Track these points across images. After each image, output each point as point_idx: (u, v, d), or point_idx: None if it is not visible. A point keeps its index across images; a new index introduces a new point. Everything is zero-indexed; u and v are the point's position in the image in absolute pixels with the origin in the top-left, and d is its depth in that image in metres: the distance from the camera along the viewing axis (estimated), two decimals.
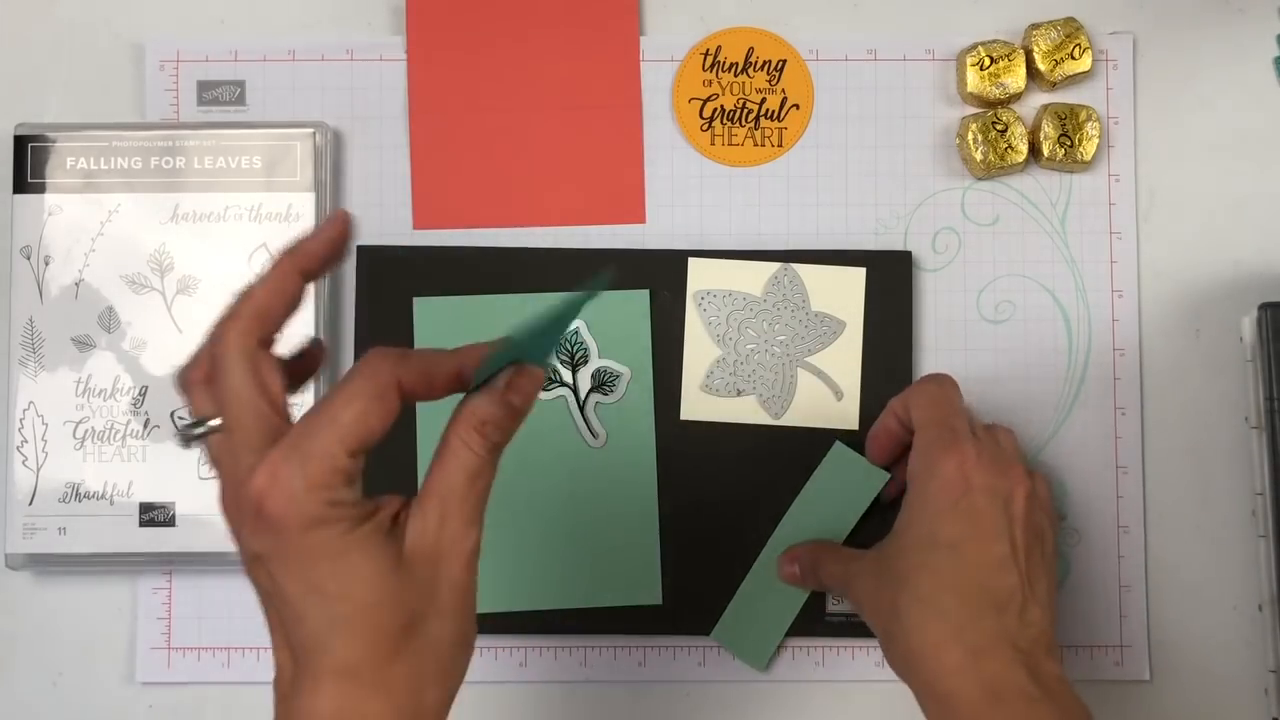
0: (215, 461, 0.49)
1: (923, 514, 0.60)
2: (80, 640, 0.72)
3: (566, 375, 0.71)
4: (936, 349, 0.72)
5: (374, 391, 0.47)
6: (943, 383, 0.65)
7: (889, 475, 0.68)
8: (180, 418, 0.70)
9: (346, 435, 0.46)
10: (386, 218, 0.73)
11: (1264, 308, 0.69)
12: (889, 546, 0.62)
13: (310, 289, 0.50)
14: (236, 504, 0.47)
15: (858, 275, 0.72)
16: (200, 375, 0.49)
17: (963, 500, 0.60)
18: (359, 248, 0.72)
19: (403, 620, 0.47)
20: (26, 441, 0.70)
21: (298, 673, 0.47)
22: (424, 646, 0.47)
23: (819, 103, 0.74)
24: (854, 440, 0.70)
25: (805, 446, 0.71)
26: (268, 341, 0.49)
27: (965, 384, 0.68)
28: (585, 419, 0.71)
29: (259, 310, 0.48)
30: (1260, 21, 0.74)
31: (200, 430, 0.48)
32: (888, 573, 0.61)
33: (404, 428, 0.70)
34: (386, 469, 0.71)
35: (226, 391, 0.47)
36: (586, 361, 0.71)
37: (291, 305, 0.49)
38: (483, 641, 0.70)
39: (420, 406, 0.70)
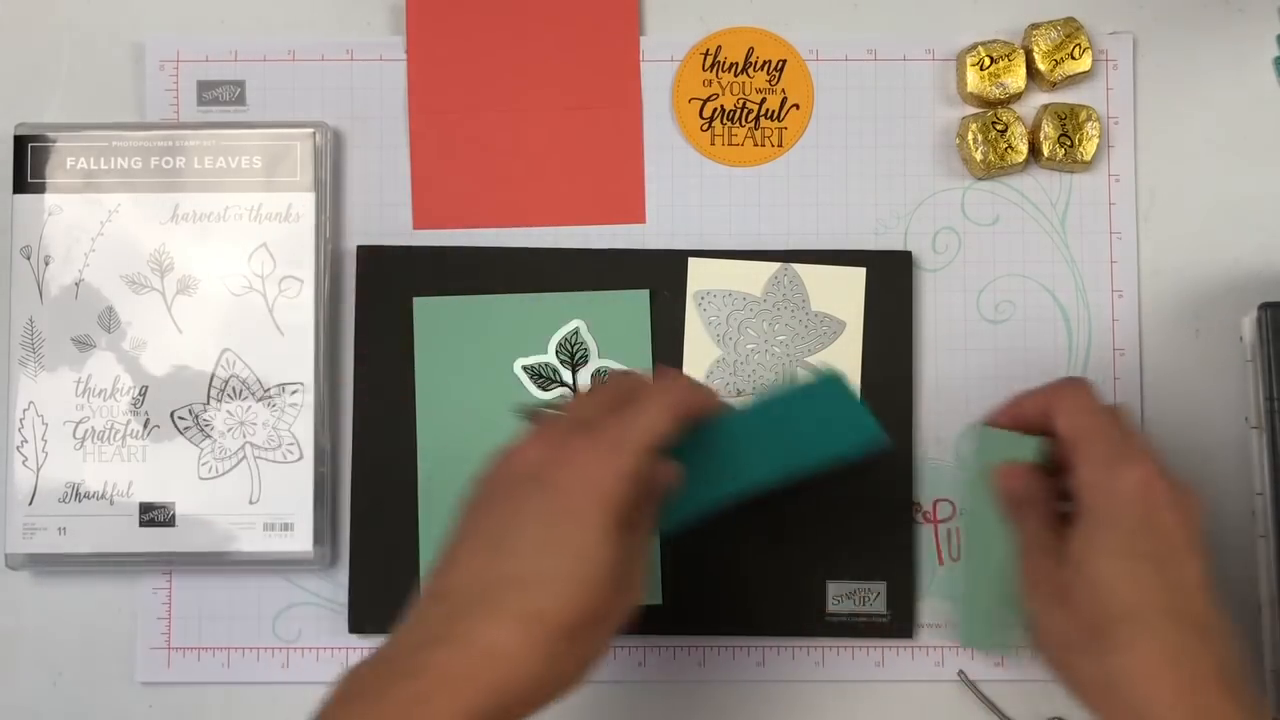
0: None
1: (1111, 529, 0.56)
2: (80, 640, 0.72)
3: (566, 375, 0.71)
4: (936, 349, 0.72)
5: (663, 403, 0.57)
6: (1091, 389, 0.61)
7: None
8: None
9: (653, 439, 0.55)
10: (386, 218, 0.73)
11: (1264, 308, 0.69)
12: (1069, 547, 0.57)
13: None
14: (566, 440, 0.55)
15: (858, 275, 0.72)
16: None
17: (1154, 516, 0.55)
18: (359, 248, 0.72)
19: (597, 610, 0.53)
20: (26, 441, 0.70)
21: (482, 598, 0.52)
22: (588, 641, 0.54)
23: (819, 103, 0.74)
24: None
25: None
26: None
27: (965, 384, 0.68)
28: None
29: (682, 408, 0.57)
30: (1260, 21, 0.74)
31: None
32: (1080, 577, 0.56)
33: (404, 431, 0.70)
34: (386, 471, 0.71)
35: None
36: (586, 361, 0.71)
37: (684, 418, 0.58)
38: None
39: (420, 411, 0.70)
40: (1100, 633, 0.54)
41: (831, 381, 0.62)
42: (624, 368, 0.71)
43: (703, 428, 0.60)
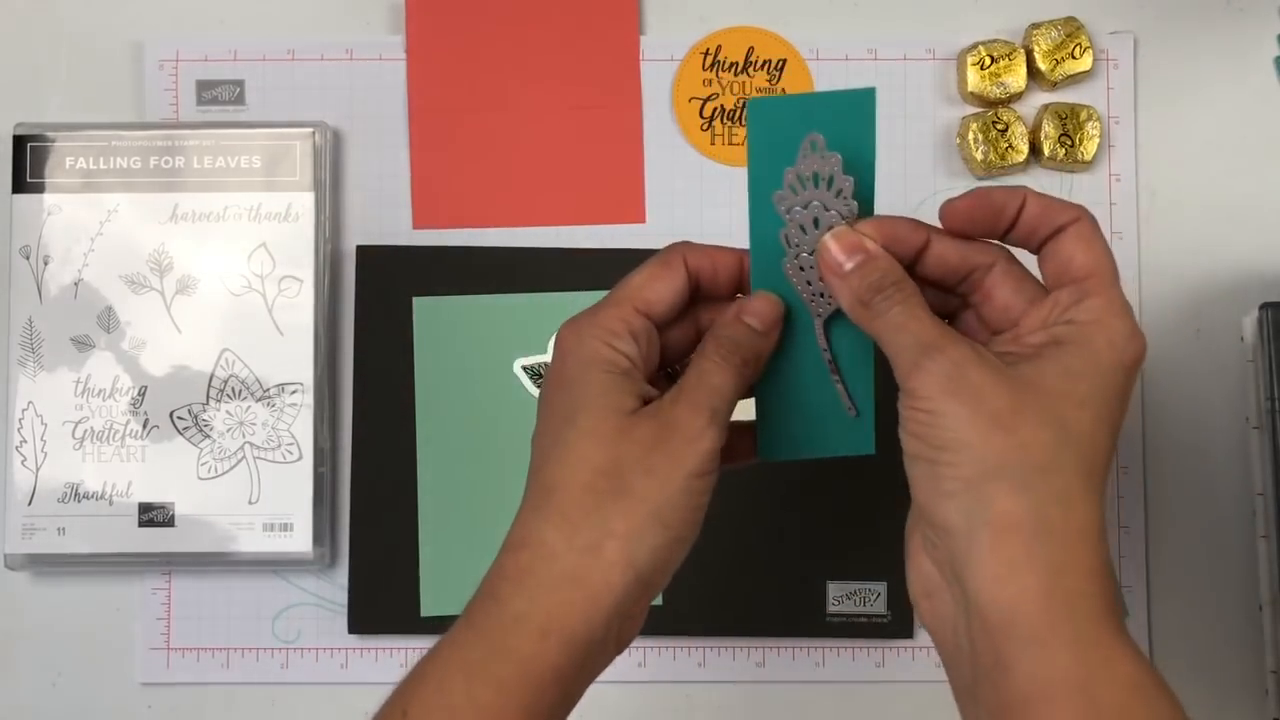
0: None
1: (1096, 380, 0.48)
2: (80, 640, 0.72)
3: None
4: None
5: (662, 260, 0.52)
6: (1099, 225, 0.51)
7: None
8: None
9: (634, 295, 0.52)
10: (386, 217, 0.73)
11: (1264, 308, 0.69)
12: (1039, 375, 0.48)
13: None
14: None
15: None
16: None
17: (1126, 395, 0.49)
18: (359, 247, 0.72)
19: (607, 464, 0.49)
20: (25, 442, 0.70)
21: (527, 486, 0.51)
22: (620, 502, 0.49)
23: None
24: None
25: None
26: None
27: None
28: None
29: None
30: (1260, 21, 0.74)
31: None
32: (1040, 406, 0.47)
33: (404, 431, 0.70)
34: (386, 471, 0.71)
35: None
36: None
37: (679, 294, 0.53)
38: None
39: (420, 411, 0.70)
40: (1047, 475, 0.46)
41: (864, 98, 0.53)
42: None
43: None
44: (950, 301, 0.53)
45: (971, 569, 0.46)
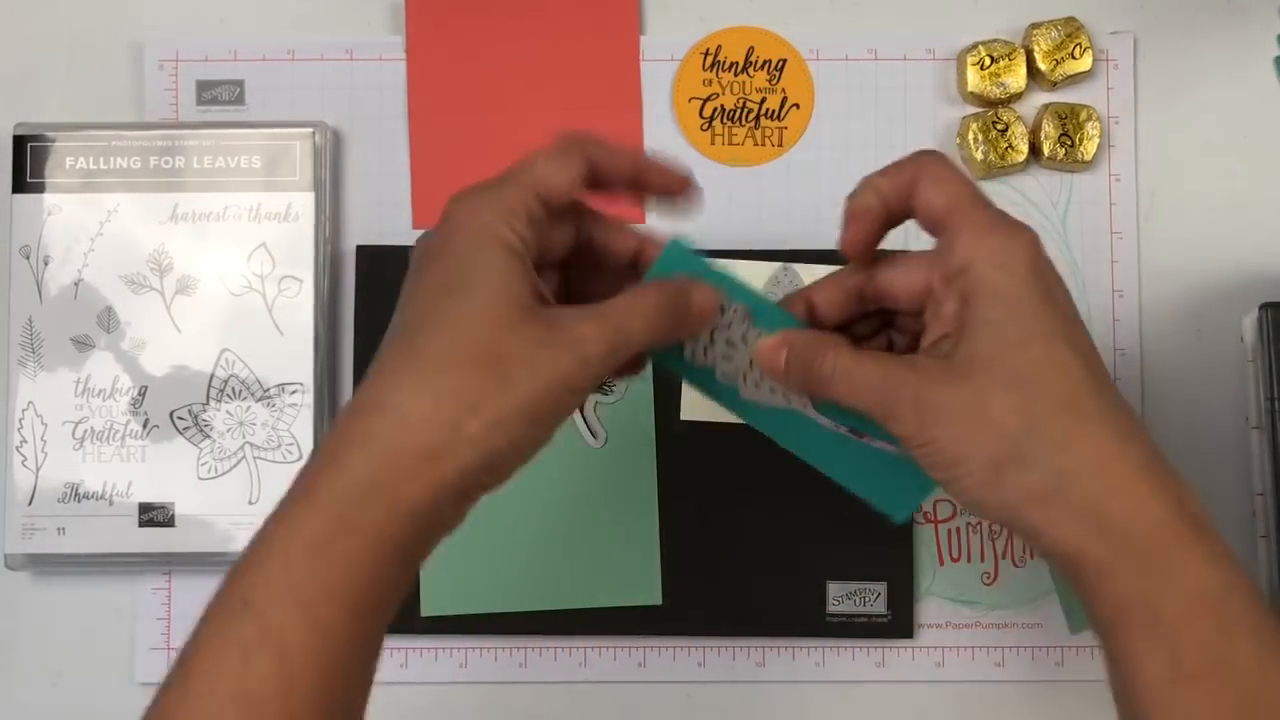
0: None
1: (1013, 306, 0.48)
2: (80, 640, 0.72)
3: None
4: None
5: (563, 147, 0.51)
6: (948, 160, 0.51)
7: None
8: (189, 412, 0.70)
9: (537, 178, 0.50)
10: (386, 217, 0.73)
11: (1264, 308, 0.69)
12: (971, 346, 0.48)
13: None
14: (440, 216, 0.50)
15: None
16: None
17: (1053, 290, 0.49)
18: (358, 247, 0.72)
19: (490, 346, 0.47)
20: (26, 441, 0.70)
21: (379, 356, 0.48)
22: (494, 385, 0.46)
23: (819, 102, 0.73)
24: None
25: None
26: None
27: None
28: (585, 419, 0.71)
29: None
30: (1260, 21, 0.74)
31: None
32: (991, 377, 0.47)
33: None
34: None
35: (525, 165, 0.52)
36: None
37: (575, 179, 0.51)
38: (483, 642, 0.70)
39: None
40: (1038, 433, 0.47)
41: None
42: None
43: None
44: (874, 321, 0.54)
45: (1034, 540, 0.48)
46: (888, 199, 0.51)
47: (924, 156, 0.51)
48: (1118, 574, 0.46)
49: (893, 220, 0.52)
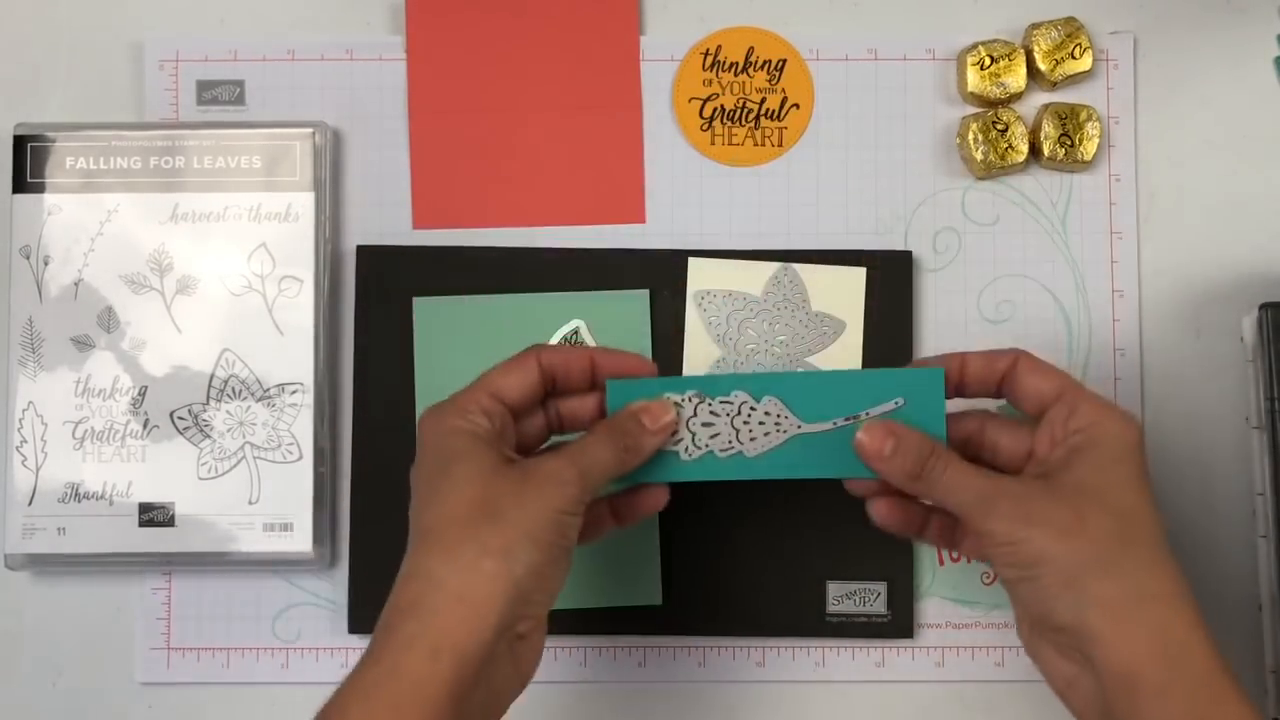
0: None
1: (1127, 464, 0.56)
2: (80, 640, 0.72)
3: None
4: (937, 349, 0.72)
5: (516, 358, 0.60)
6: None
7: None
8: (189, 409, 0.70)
9: (489, 384, 0.59)
10: (386, 218, 0.73)
11: (1264, 308, 0.69)
12: (1077, 477, 0.56)
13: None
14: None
15: (858, 275, 0.72)
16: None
17: (1146, 467, 0.57)
18: (359, 247, 0.72)
19: (480, 498, 0.55)
20: (26, 441, 0.70)
21: (406, 567, 0.56)
22: (494, 525, 0.54)
23: (819, 102, 0.73)
24: None
25: None
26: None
27: None
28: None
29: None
30: (1260, 21, 0.74)
31: None
32: (1092, 502, 0.55)
33: (404, 431, 0.70)
34: (386, 471, 0.71)
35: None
36: None
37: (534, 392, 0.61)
38: None
39: (420, 411, 0.70)
40: (1124, 557, 0.54)
41: (933, 376, 0.60)
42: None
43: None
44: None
45: (1096, 647, 0.53)
46: (971, 373, 0.60)
47: (1018, 350, 0.60)
48: (1172, 695, 0.53)
49: (963, 391, 0.61)
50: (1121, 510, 0.55)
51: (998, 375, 0.60)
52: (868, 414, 0.60)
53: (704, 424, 0.61)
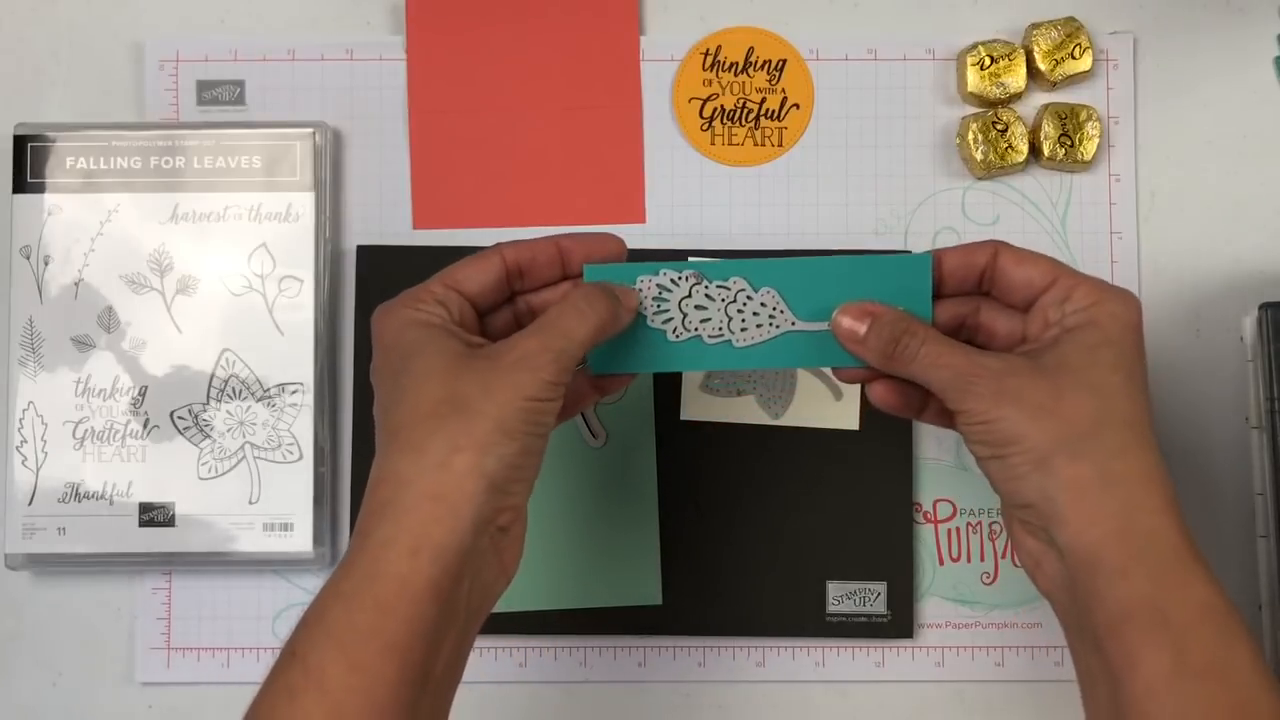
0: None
1: (1114, 348, 0.54)
2: (80, 640, 0.72)
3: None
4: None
5: (478, 254, 0.58)
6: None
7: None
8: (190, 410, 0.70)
9: (446, 276, 0.57)
10: (386, 218, 0.73)
11: (1264, 308, 0.69)
12: (1061, 355, 0.54)
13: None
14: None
15: None
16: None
17: (1141, 346, 0.55)
18: (359, 247, 0.72)
19: (446, 393, 0.52)
20: (26, 441, 0.70)
21: (379, 458, 0.53)
22: (462, 420, 0.52)
23: (819, 102, 0.74)
24: (854, 437, 0.70)
25: (805, 446, 0.71)
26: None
27: None
28: (585, 419, 0.71)
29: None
30: (1260, 21, 0.74)
31: None
32: (1073, 380, 0.53)
33: None
34: None
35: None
36: (586, 361, 0.71)
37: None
38: (483, 641, 0.70)
39: None
40: (1098, 437, 0.53)
41: (921, 260, 0.58)
42: None
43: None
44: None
45: (1059, 528, 0.52)
46: (949, 271, 0.58)
47: (993, 241, 0.58)
48: (1132, 576, 0.51)
49: (941, 292, 0.58)
50: (1102, 388, 0.53)
51: (977, 270, 0.58)
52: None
53: (697, 306, 0.59)
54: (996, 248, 0.57)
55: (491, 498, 0.52)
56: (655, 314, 0.59)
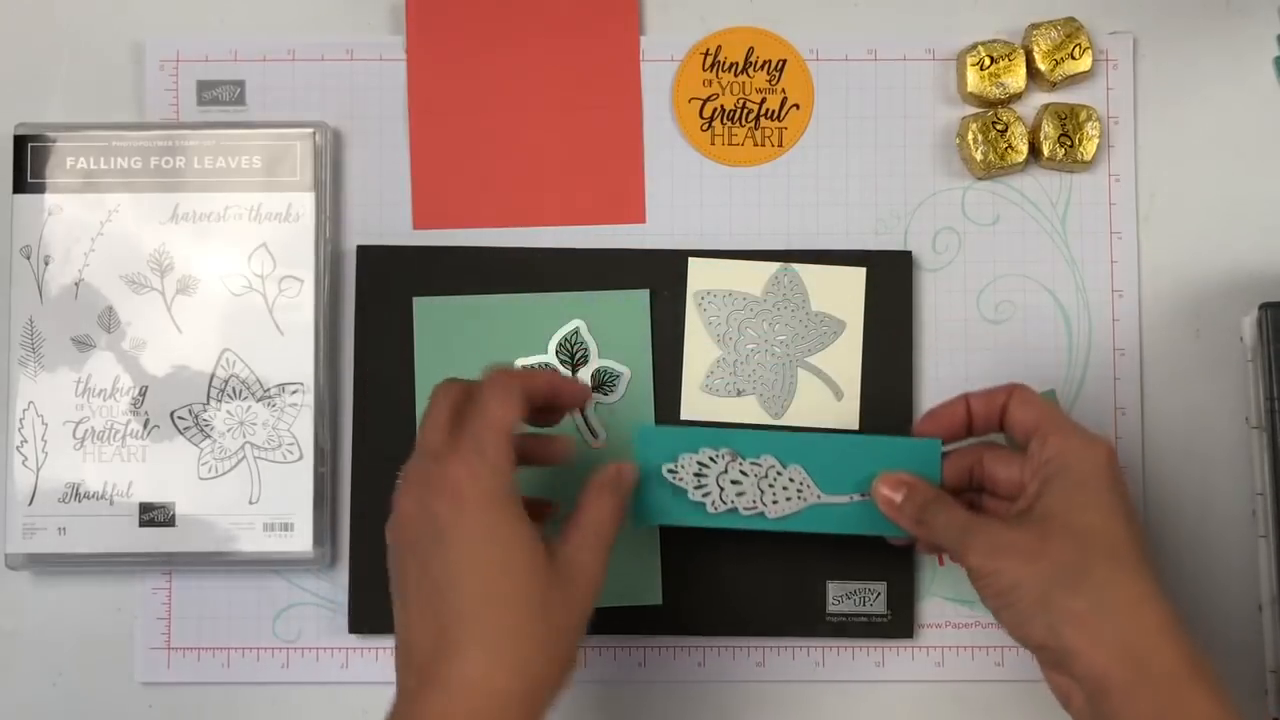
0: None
1: (1090, 488, 0.60)
2: (80, 640, 0.72)
3: (566, 375, 0.71)
4: (936, 349, 0.72)
5: (504, 387, 0.60)
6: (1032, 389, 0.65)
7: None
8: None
9: (494, 421, 0.58)
10: (386, 218, 0.73)
11: (1264, 308, 0.69)
12: (1044, 507, 0.60)
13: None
14: (427, 479, 0.58)
15: (858, 275, 0.72)
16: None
17: (1118, 483, 0.61)
18: (359, 247, 0.72)
19: (541, 604, 0.56)
20: (26, 441, 0.70)
21: (442, 644, 0.55)
22: (550, 630, 0.56)
23: (819, 103, 0.74)
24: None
25: None
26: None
27: (965, 384, 0.68)
28: (585, 419, 0.71)
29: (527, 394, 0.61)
30: (1260, 21, 0.74)
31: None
32: (1055, 526, 0.59)
33: (404, 431, 0.70)
34: (386, 471, 0.71)
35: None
36: (586, 361, 0.71)
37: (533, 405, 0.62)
38: None
39: (420, 411, 0.70)
40: (1087, 572, 0.58)
41: (931, 445, 0.65)
42: (623, 368, 0.71)
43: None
44: (972, 498, 0.66)
45: (1072, 661, 0.57)
46: (975, 412, 0.64)
47: (1016, 385, 0.64)
48: (1138, 699, 0.56)
49: (972, 429, 0.65)
50: (1083, 530, 0.59)
51: (997, 409, 0.64)
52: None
53: (733, 481, 0.64)
54: (1012, 390, 0.64)
55: (527, 703, 0.56)
56: (696, 488, 0.64)
